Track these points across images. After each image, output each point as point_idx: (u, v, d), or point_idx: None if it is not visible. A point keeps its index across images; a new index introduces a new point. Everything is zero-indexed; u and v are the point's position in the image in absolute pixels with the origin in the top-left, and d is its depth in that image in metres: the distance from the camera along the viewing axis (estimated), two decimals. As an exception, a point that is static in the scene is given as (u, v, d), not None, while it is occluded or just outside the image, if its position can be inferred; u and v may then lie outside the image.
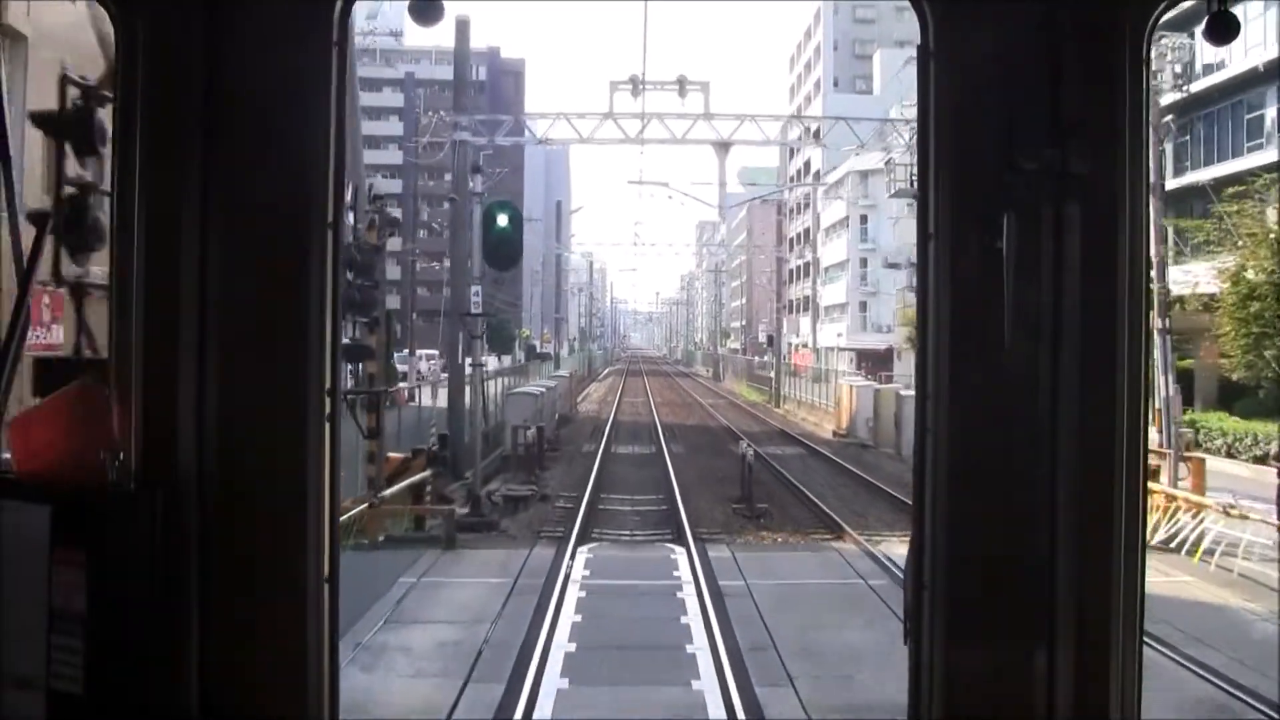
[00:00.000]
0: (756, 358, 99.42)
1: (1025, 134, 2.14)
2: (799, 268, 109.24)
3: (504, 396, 31.54)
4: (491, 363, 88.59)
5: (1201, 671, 11.11)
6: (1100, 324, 2.18)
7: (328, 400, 2.27)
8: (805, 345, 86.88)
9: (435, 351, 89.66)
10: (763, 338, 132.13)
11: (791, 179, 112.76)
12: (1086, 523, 2.17)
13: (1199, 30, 2.51)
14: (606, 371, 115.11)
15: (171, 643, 2.17)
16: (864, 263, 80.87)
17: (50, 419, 2.25)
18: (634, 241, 65.91)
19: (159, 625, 2.15)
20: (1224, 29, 2.34)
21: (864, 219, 79.03)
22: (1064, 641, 2.16)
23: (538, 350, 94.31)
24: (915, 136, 2.63)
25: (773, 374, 67.37)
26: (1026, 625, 2.18)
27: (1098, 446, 2.17)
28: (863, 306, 79.16)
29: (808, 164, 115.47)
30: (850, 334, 76.75)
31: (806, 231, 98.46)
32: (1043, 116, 2.15)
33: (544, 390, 33.45)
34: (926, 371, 2.24)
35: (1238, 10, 2.37)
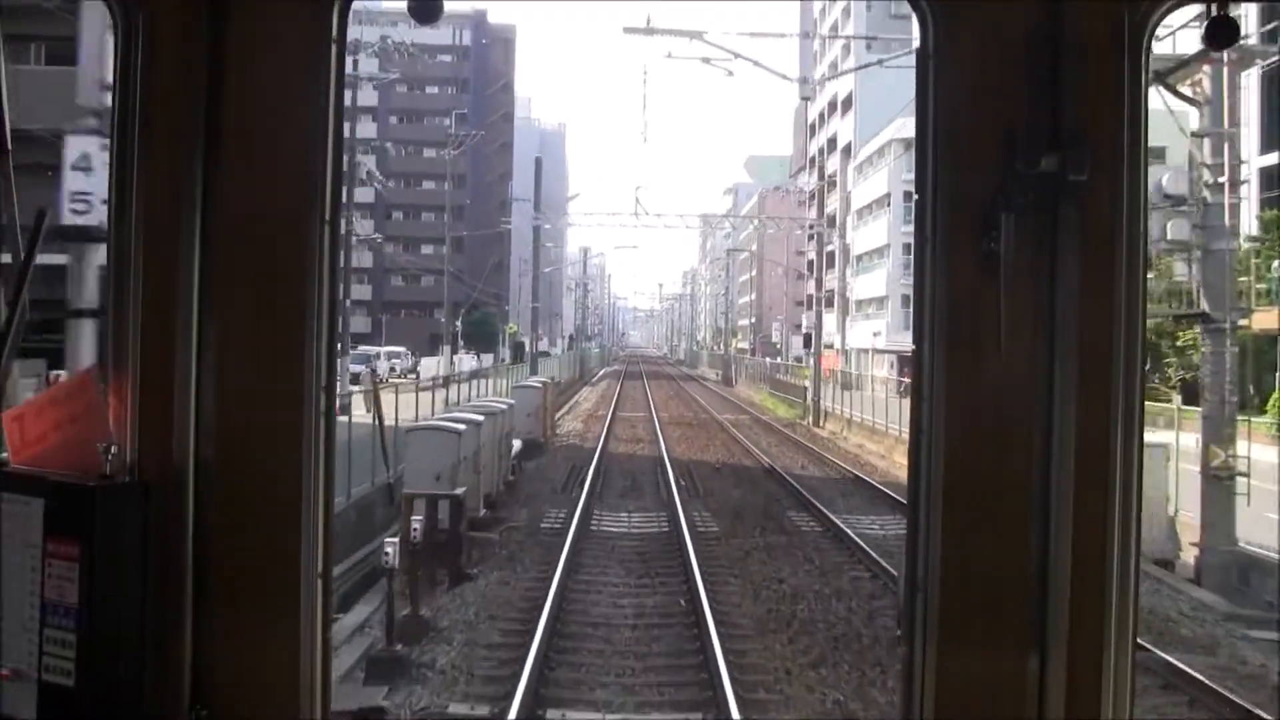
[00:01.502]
0: (768, 359, 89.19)
1: (1024, 138, 2.18)
2: (824, 256, 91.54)
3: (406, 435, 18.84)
4: (467, 363, 71.43)
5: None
6: (1097, 328, 2.22)
7: (324, 396, 2.31)
8: (831, 346, 75.05)
9: (401, 349, 72.39)
10: (776, 336, 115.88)
11: (811, 159, 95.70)
12: (1081, 526, 2.21)
13: None
14: (602, 373, 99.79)
15: (164, 636, 2.23)
16: (908, 249, 62.34)
17: (45, 412, 2.28)
18: (634, 211, 46.93)
19: (152, 618, 2.21)
20: (1224, 33, 2.33)
21: (909, 196, 60.58)
22: (1056, 645, 2.21)
23: (526, 349, 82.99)
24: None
25: (806, 382, 55.37)
26: (1020, 628, 2.23)
27: (1093, 451, 2.22)
28: (906, 301, 60.61)
29: (833, 139, 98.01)
30: (891, 333, 58.60)
31: (832, 217, 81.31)
32: (1042, 120, 2.19)
33: (481, 420, 17.38)
34: (922, 374, 2.29)
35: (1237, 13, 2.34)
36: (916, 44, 2.32)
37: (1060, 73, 2.21)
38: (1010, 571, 2.25)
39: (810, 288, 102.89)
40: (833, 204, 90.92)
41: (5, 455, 2.27)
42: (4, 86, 2.27)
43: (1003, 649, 2.24)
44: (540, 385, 35.21)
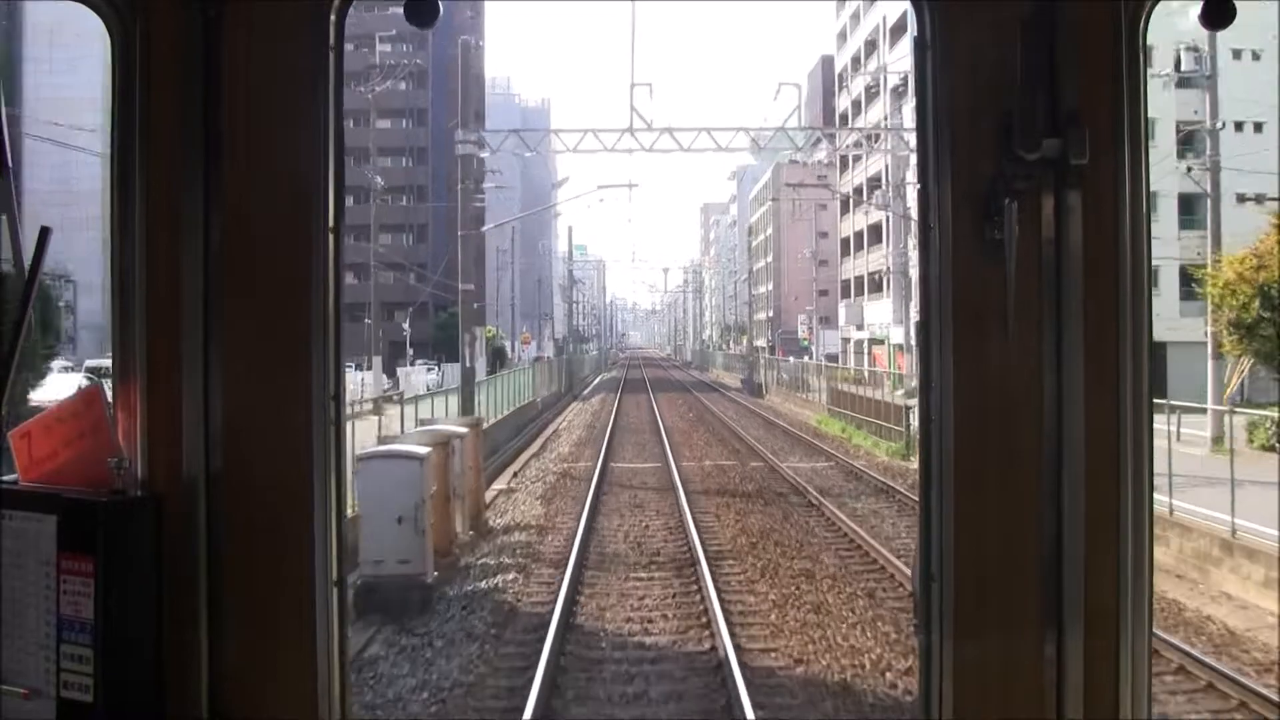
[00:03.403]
0: (792, 358, 70.25)
1: (1024, 124, 2.26)
2: (866, 231, 69.64)
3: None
4: (418, 379, 53.49)
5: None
6: (1103, 311, 2.31)
7: (332, 405, 2.38)
8: (883, 341, 59.93)
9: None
10: (803, 331, 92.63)
11: (841, 119, 72.29)
12: (1093, 510, 2.29)
13: None
14: (597, 382, 78.96)
15: (180, 648, 2.32)
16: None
17: (53, 429, 2.36)
18: (630, 127, 24.36)
19: (168, 631, 2.30)
20: (1220, 14, 2.36)
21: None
22: (1072, 631, 2.28)
23: (508, 355, 68.66)
24: None
25: (897, 398, 35.48)
26: (1035, 615, 2.31)
27: (1103, 434, 2.30)
28: None
29: (872, 87, 76.46)
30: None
31: (873, 182, 60.38)
32: (1042, 106, 2.27)
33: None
34: (930, 361, 2.39)
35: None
36: (914, 33, 2.49)
37: (1058, 57, 2.29)
38: (1024, 557, 2.32)
39: (849, 269, 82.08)
40: (867, 171, 70.94)
41: (15, 473, 2.41)
42: (3, 107, 2.38)
43: (1019, 636, 2.31)
44: (423, 452, 14.37)
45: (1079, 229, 2.26)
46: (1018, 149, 2.22)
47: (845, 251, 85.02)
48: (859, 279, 79.10)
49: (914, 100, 2.44)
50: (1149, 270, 2.33)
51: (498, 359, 70.20)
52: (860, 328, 74.59)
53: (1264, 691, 11.03)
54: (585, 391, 72.80)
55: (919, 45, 2.37)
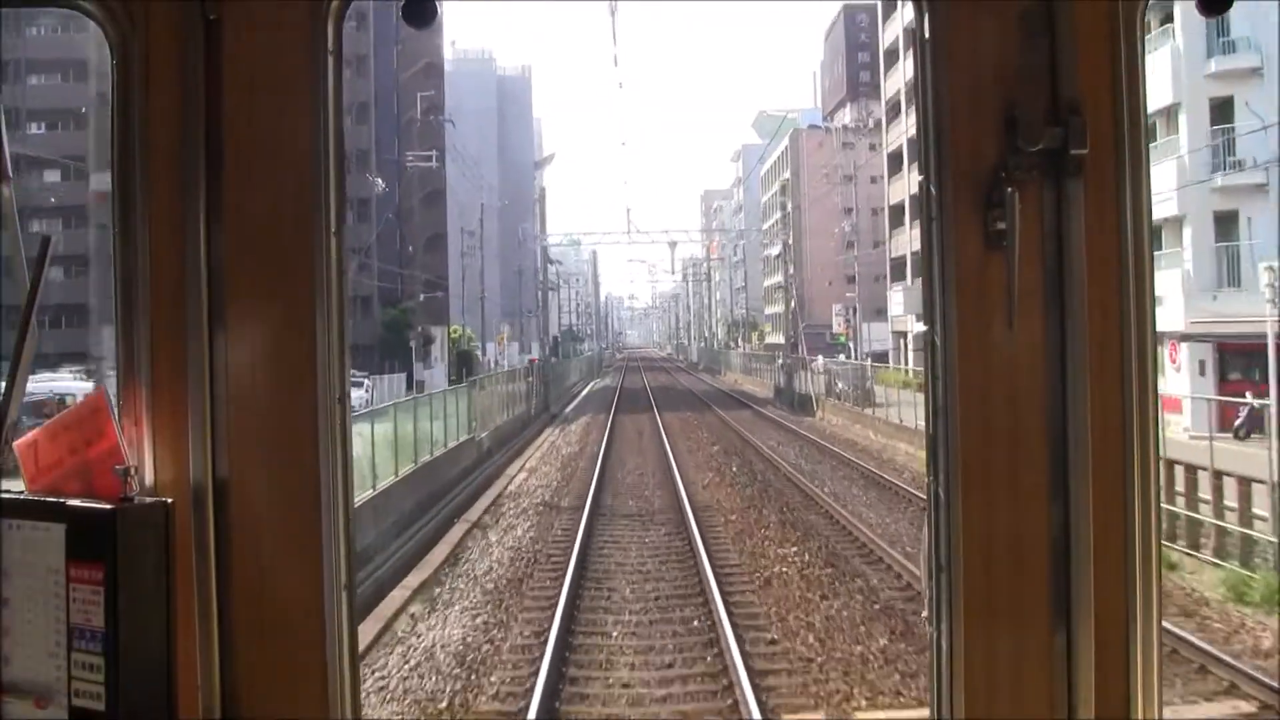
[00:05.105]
0: (821, 358, 66.72)
1: (1025, 115, 2.61)
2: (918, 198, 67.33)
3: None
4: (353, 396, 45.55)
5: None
6: (1106, 299, 2.65)
7: (339, 408, 2.72)
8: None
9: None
10: (838, 324, 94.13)
11: (863, 83, 73.32)
12: (1100, 500, 2.63)
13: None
14: (585, 394, 79.90)
15: (191, 655, 2.63)
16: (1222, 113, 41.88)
17: (59, 437, 2.68)
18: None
19: (179, 637, 2.60)
20: (1216, 1, 2.76)
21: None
22: (1083, 621, 2.61)
23: (478, 359, 71.82)
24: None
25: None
26: (1045, 605, 2.65)
27: (1108, 424, 2.64)
28: (1223, 224, 41.05)
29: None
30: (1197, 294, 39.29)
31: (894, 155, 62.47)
32: (1042, 96, 2.63)
33: None
34: (935, 353, 2.75)
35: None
36: (914, 28, 2.85)
37: (1058, 48, 2.64)
38: (1032, 548, 2.65)
39: (896, 247, 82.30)
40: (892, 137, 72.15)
41: (22, 483, 2.67)
42: (3, 115, 2.67)
43: (1029, 626, 2.65)
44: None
45: (1080, 218, 2.65)
46: (1019, 140, 2.61)
47: (896, 223, 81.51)
48: (918, 255, 75.08)
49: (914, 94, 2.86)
50: (1151, 257, 2.72)
51: (464, 364, 67.40)
52: (921, 319, 70.49)
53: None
54: (568, 410, 67.01)
55: (919, 38, 2.77)
